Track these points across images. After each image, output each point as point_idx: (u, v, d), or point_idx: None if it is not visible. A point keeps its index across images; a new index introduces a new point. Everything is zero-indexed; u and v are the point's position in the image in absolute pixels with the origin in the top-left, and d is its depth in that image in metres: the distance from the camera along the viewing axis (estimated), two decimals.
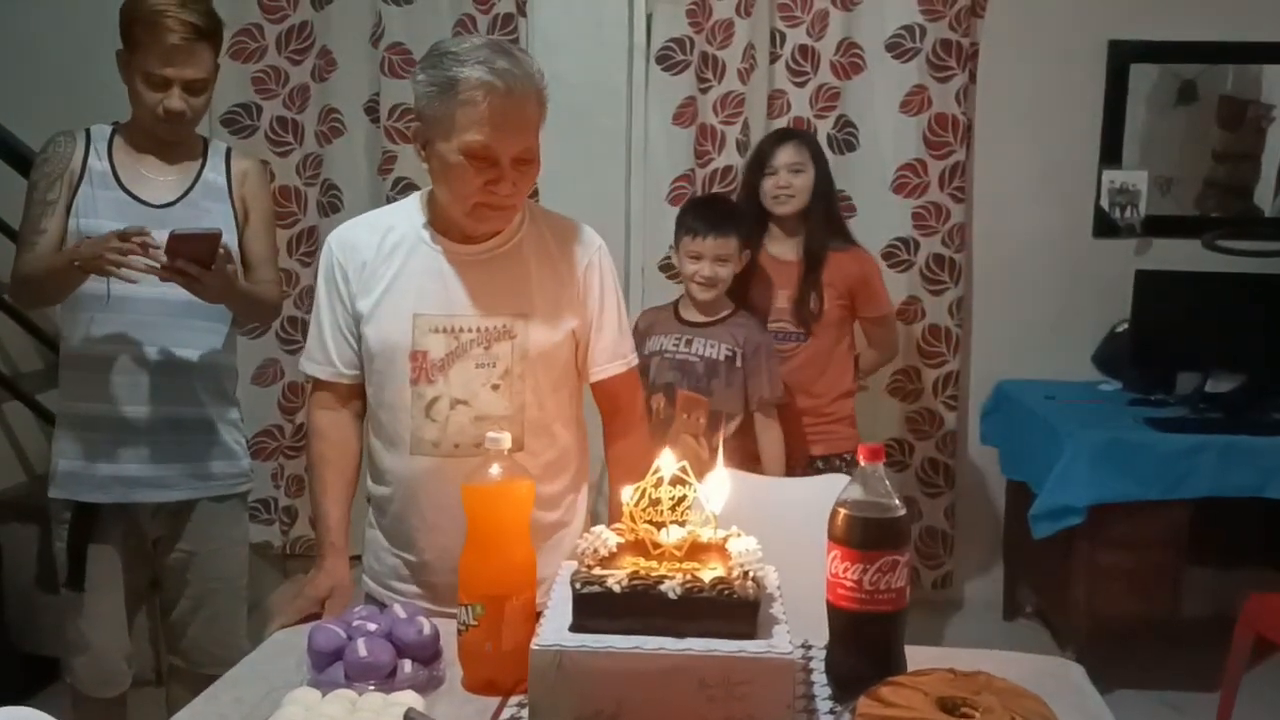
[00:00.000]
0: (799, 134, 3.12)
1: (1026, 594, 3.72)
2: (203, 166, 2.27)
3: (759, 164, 2.96)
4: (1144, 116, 3.62)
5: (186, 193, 2.24)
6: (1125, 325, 3.54)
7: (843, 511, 1.34)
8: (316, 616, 1.67)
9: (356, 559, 1.86)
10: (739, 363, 2.79)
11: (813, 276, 2.90)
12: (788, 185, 2.89)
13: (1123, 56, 3.59)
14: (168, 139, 2.22)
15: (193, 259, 2.00)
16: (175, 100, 2.13)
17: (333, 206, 3.59)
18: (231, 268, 2.14)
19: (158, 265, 1.98)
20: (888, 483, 1.34)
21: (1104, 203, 3.64)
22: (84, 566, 2.24)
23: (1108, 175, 3.63)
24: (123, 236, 1.98)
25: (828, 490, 2.16)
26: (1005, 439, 3.55)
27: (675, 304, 2.93)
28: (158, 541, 2.32)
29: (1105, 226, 3.64)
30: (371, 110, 3.58)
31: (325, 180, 3.61)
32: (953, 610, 3.74)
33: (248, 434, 3.61)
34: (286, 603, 1.71)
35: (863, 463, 1.35)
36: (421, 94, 1.64)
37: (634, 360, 1.90)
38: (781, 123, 3.50)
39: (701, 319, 2.84)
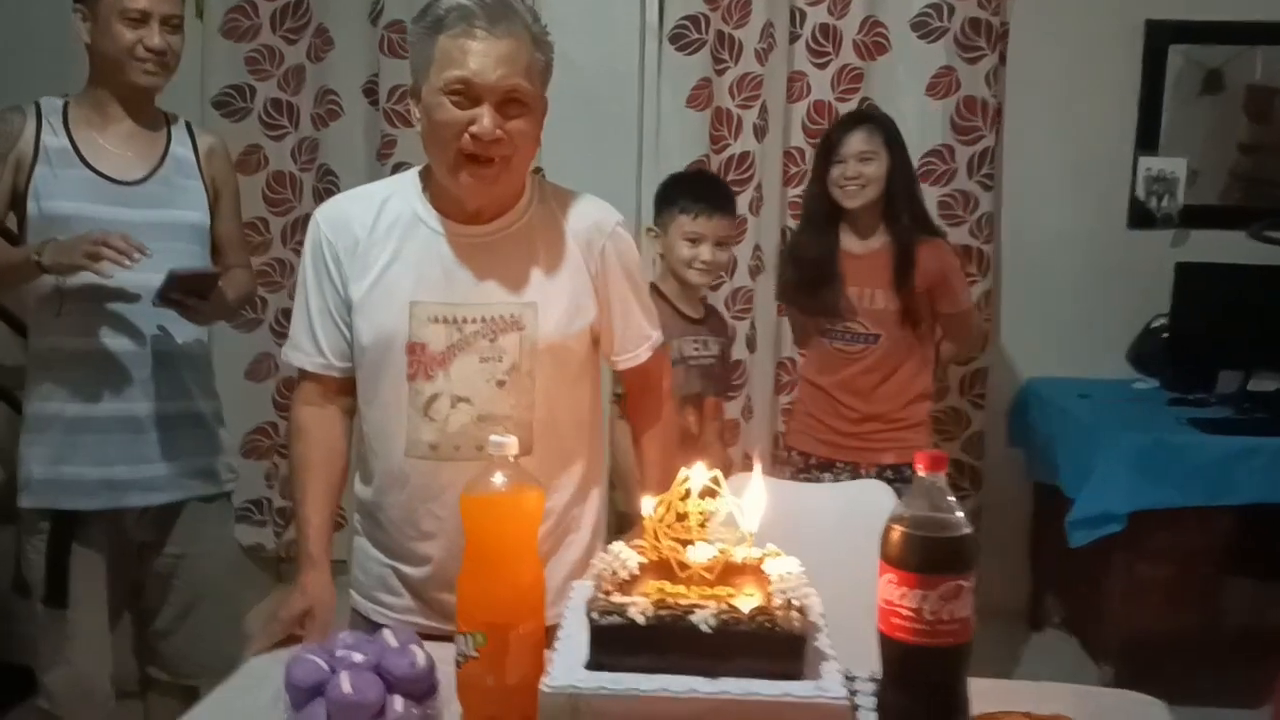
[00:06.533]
0: (871, 118, 2.83)
1: (1054, 602, 3.56)
2: (169, 139, 2.13)
3: (827, 152, 2.74)
4: (1169, 106, 3.48)
5: (157, 168, 2.10)
6: (1161, 320, 3.40)
7: (898, 529, 1.16)
8: (298, 638, 1.50)
9: (342, 563, 1.70)
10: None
11: (904, 276, 2.68)
12: (857, 175, 2.67)
13: (1160, 37, 3.44)
14: (144, 89, 2.07)
15: (190, 293, 1.98)
16: (156, 36, 2.01)
17: (329, 192, 3.43)
18: (222, 284, 2.08)
19: (130, 265, 1.87)
20: (950, 496, 1.17)
21: (1140, 192, 3.49)
22: (65, 580, 2.08)
23: (1144, 163, 3.48)
24: (105, 243, 1.84)
25: (857, 495, 2.05)
26: (1035, 440, 3.40)
27: (662, 296, 2.54)
28: (142, 546, 2.18)
29: (1141, 216, 3.50)
30: (370, 92, 3.43)
31: (321, 165, 3.48)
32: (977, 619, 3.57)
33: (238, 431, 3.51)
34: (263, 623, 1.54)
35: (921, 473, 1.18)
36: (411, 46, 1.55)
37: (660, 338, 1.77)
38: (801, 107, 3.37)
39: (699, 314, 2.62)
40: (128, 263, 1.85)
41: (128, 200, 2.03)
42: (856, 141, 2.68)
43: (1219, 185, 3.51)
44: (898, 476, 2.67)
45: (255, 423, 3.53)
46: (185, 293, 1.97)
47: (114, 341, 2.04)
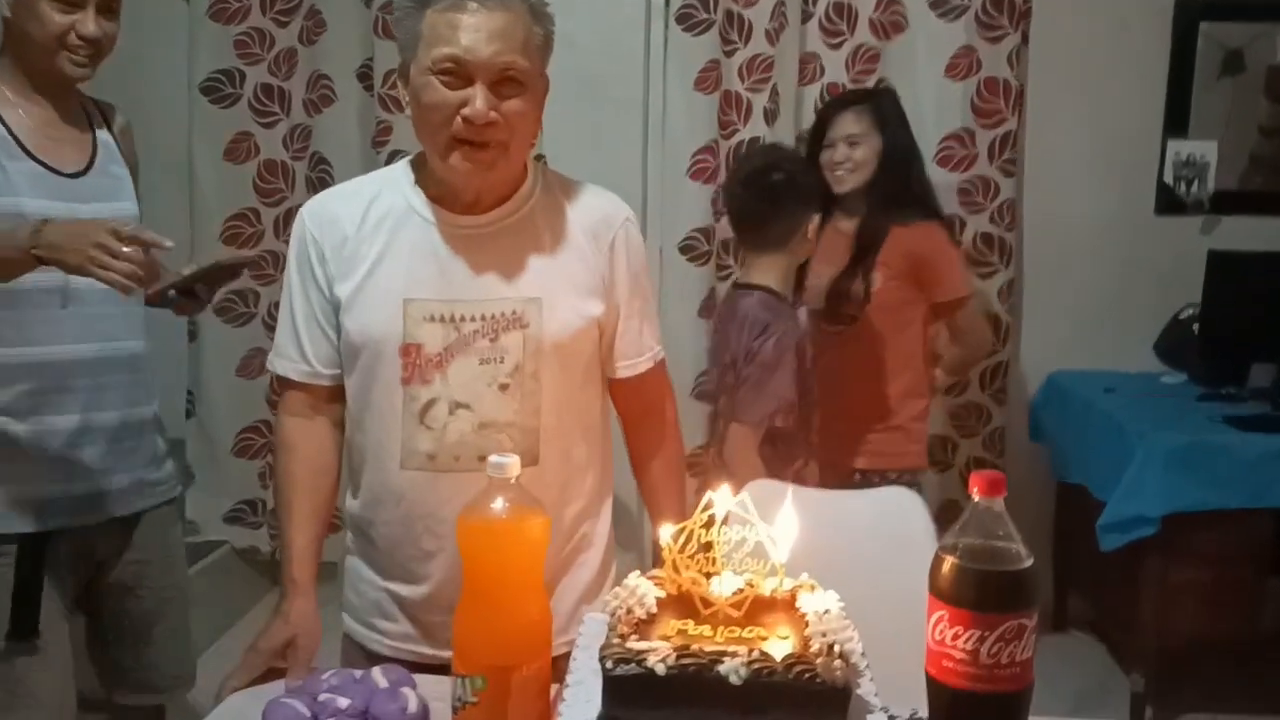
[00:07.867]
0: (863, 97, 2.71)
1: (1078, 604, 3.43)
2: (91, 123, 1.92)
3: (817, 134, 2.63)
4: (1197, 88, 3.37)
5: (93, 158, 1.88)
6: (1190, 311, 3.28)
7: (950, 560, 1.03)
8: (280, 671, 1.37)
9: (332, 565, 1.58)
10: None
11: (863, 259, 2.53)
12: (845, 160, 2.55)
13: (1190, 15, 3.32)
14: (72, 79, 1.83)
15: (211, 284, 1.87)
16: (91, 24, 1.77)
17: (322, 182, 3.35)
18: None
19: (142, 274, 1.56)
20: (1009, 524, 1.04)
21: (1168, 177, 3.39)
22: (37, 611, 1.86)
23: (1173, 146, 3.38)
24: (126, 239, 1.53)
25: (883, 504, 1.91)
26: (1058, 436, 3.28)
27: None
28: (102, 562, 1.98)
29: (1169, 202, 3.40)
30: (364, 76, 3.33)
31: (314, 153, 3.39)
32: None
33: (230, 429, 3.40)
34: (242, 654, 1.41)
35: (977, 497, 1.05)
36: (397, 22, 1.42)
37: (662, 353, 1.63)
38: (814, 89, 3.25)
39: None
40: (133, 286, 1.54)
41: (77, 195, 1.82)
42: (845, 124, 2.57)
43: (1239, 169, 3.40)
44: (864, 483, 2.54)
45: (248, 420, 3.45)
46: (208, 284, 1.85)
47: (57, 349, 1.84)
